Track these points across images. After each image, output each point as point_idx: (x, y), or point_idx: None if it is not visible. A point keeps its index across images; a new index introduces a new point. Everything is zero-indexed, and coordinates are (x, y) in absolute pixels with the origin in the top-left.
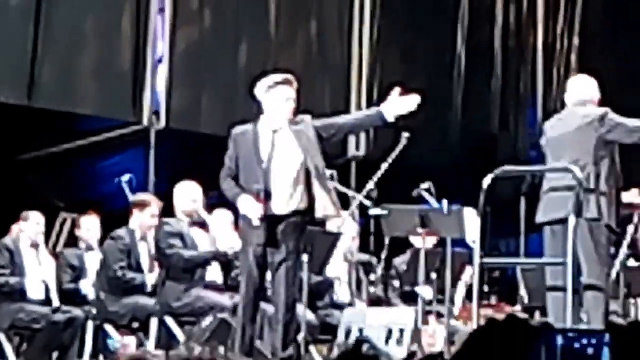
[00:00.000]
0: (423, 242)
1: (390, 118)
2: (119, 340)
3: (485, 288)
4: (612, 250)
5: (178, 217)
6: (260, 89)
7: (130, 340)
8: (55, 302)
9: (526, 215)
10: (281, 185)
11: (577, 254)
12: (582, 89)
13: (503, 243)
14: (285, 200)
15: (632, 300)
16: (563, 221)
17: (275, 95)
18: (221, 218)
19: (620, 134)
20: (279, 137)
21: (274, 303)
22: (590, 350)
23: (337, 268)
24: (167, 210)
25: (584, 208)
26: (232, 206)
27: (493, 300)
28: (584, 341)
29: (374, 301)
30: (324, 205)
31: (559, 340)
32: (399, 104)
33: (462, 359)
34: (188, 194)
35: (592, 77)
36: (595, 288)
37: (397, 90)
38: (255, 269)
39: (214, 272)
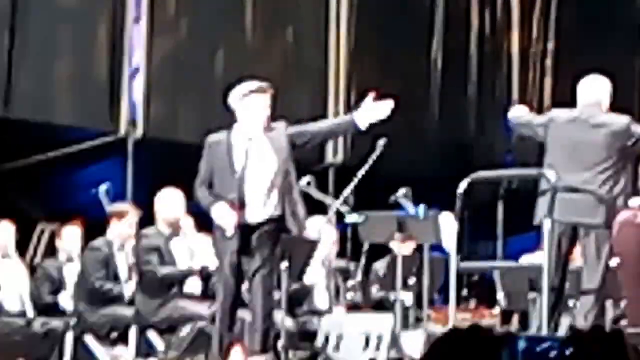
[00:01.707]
0: (399, 248)
1: (363, 126)
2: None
3: (465, 292)
4: None
5: (158, 227)
6: (235, 98)
7: (122, 351)
8: (30, 314)
9: (504, 219)
10: (255, 193)
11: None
12: (599, 90)
13: (482, 246)
14: (260, 208)
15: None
16: (592, 227)
17: (250, 104)
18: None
19: None
20: (254, 145)
21: (252, 311)
22: (553, 353)
23: (315, 274)
24: (147, 219)
25: (593, 213)
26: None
27: (472, 304)
28: (546, 345)
29: (353, 307)
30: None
31: (521, 344)
32: (372, 111)
33: None
34: (170, 202)
35: (606, 78)
36: (592, 292)
37: (370, 97)
38: (231, 278)
39: (192, 283)
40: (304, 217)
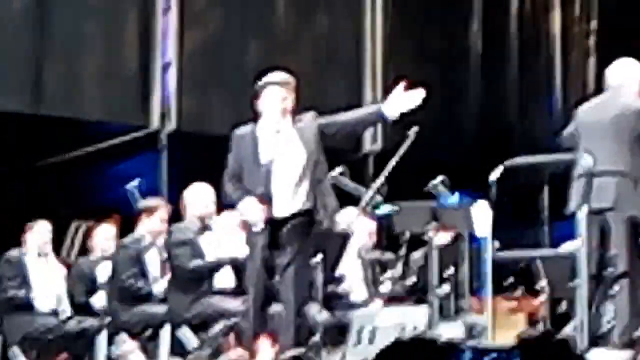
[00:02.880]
0: (435, 237)
1: (392, 116)
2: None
3: (511, 280)
4: None
5: (189, 222)
6: (256, 90)
7: (131, 345)
8: (67, 312)
9: (551, 204)
10: (284, 186)
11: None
12: (622, 74)
13: (529, 233)
14: (289, 201)
15: None
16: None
17: (266, 96)
18: (229, 220)
19: None
20: (281, 137)
21: (284, 305)
22: None
23: (351, 267)
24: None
25: (623, 200)
26: None
27: (519, 292)
28: (493, 355)
29: (391, 299)
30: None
31: (468, 355)
32: (402, 100)
33: None
34: (201, 198)
35: (636, 61)
36: (626, 276)
37: (401, 86)
38: (262, 273)
39: (223, 278)
40: (334, 209)
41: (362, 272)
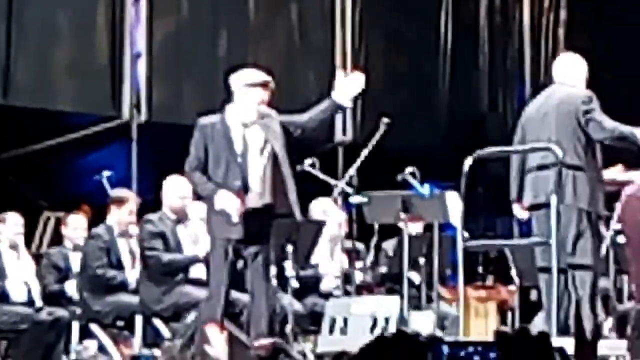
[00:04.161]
0: (406, 227)
1: (346, 103)
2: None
3: (480, 269)
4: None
5: (163, 213)
6: (238, 83)
7: (91, 344)
8: (38, 303)
9: None
10: (255, 179)
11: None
12: (568, 69)
13: (500, 223)
14: (257, 193)
15: (624, 277)
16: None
17: (250, 95)
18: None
19: (594, 129)
20: (249, 131)
21: (254, 295)
22: (476, 358)
23: (323, 257)
24: (153, 204)
25: (568, 192)
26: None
27: (490, 281)
28: (470, 349)
29: (363, 288)
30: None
31: (445, 349)
32: (347, 86)
33: None
34: (176, 190)
35: (579, 55)
36: (584, 267)
37: (340, 73)
38: (229, 264)
39: (198, 268)
40: (294, 201)
41: (333, 262)
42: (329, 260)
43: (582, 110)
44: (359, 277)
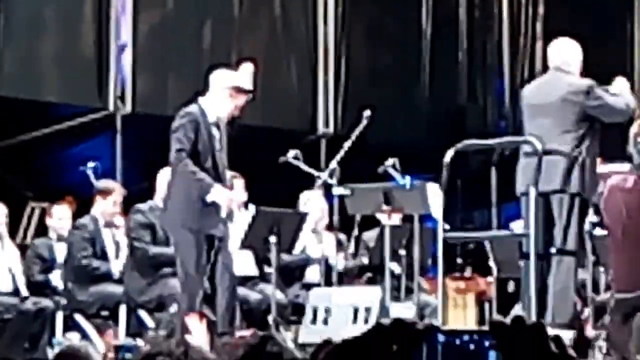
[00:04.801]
0: (387, 219)
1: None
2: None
3: (459, 261)
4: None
5: (154, 203)
6: (226, 82)
7: (74, 337)
8: (24, 293)
9: (497, 186)
10: (227, 176)
11: (551, 224)
12: (565, 54)
13: (477, 215)
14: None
15: (601, 269)
16: (555, 192)
17: (234, 99)
18: None
19: (603, 113)
20: (216, 129)
21: (220, 286)
22: (472, 346)
23: (308, 247)
24: (138, 195)
25: (566, 180)
26: None
27: (468, 272)
28: (466, 338)
29: (344, 280)
30: None
31: (440, 338)
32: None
33: None
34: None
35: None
36: (566, 253)
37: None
38: (205, 255)
39: None
40: None
41: (316, 252)
42: (312, 250)
43: (590, 106)
44: (340, 267)
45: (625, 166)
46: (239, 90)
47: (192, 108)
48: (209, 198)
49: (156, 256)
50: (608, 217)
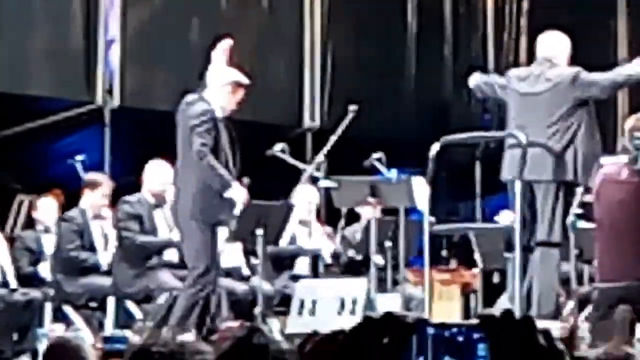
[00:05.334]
0: (373, 212)
1: None
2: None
3: (444, 253)
4: None
5: (142, 196)
6: (226, 79)
7: (59, 328)
8: (13, 284)
9: (482, 179)
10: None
11: (536, 214)
12: (554, 45)
13: (462, 207)
14: None
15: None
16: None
17: (236, 94)
18: None
19: (595, 91)
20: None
21: None
22: (460, 338)
23: (299, 238)
24: (126, 188)
25: (559, 170)
26: None
27: (453, 264)
28: (455, 330)
29: (330, 271)
30: None
31: (430, 330)
32: None
33: (346, 356)
34: (158, 175)
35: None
36: (551, 244)
37: None
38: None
39: (171, 252)
40: None
41: (304, 244)
42: (303, 241)
43: (581, 89)
44: (326, 259)
45: (622, 158)
46: (238, 85)
47: (207, 105)
48: (228, 194)
49: (144, 245)
50: (599, 207)
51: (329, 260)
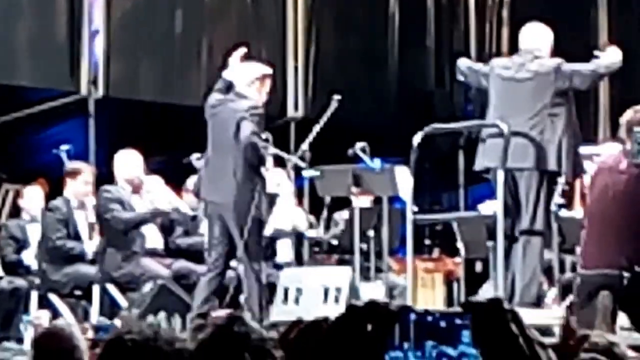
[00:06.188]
0: (356, 200)
1: None
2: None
3: (427, 241)
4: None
5: (120, 186)
6: (254, 74)
7: (44, 314)
8: None
9: (465, 169)
10: None
11: (520, 203)
12: (536, 38)
13: (445, 196)
14: None
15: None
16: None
17: (265, 88)
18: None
19: (577, 82)
20: None
21: None
22: (443, 324)
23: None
24: (110, 179)
25: (542, 159)
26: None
27: (436, 253)
28: (437, 315)
29: (315, 260)
30: None
31: (412, 316)
32: None
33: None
34: (129, 162)
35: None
36: (534, 233)
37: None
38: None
39: (154, 239)
40: None
41: (287, 233)
42: (284, 225)
43: (562, 79)
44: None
45: (615, 146)
46: (266, 77)
47: (253, 101)
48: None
49: (130, 219)
50: (591, 194)
51: (308, 234)
